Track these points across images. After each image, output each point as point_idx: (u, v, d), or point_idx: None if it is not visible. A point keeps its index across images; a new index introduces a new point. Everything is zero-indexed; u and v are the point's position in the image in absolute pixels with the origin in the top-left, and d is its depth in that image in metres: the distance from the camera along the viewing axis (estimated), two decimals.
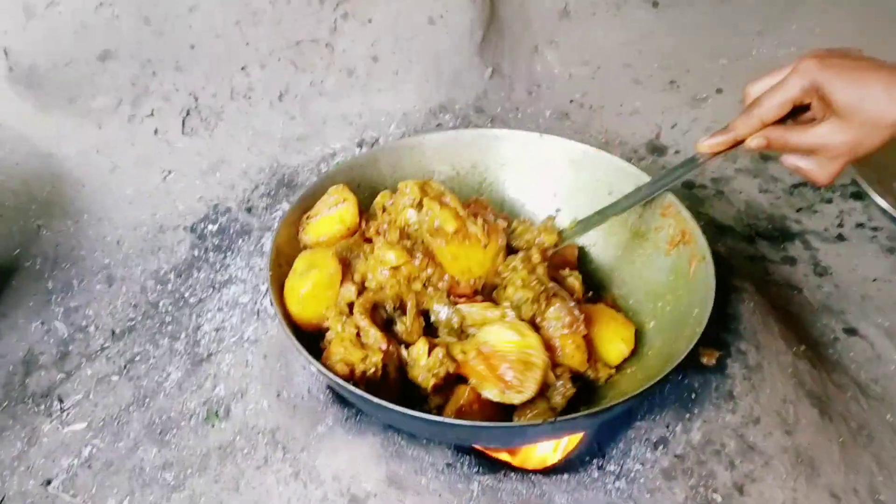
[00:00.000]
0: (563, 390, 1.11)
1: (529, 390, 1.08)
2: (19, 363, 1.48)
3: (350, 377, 1.09)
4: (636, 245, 1.35)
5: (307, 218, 1.30)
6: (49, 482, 1.29)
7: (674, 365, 1.04)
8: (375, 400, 1.00)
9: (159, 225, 1.67)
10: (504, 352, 1.10)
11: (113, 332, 1.51)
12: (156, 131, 1.74)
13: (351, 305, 1.17)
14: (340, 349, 1.12)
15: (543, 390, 1.12)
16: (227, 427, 1.23)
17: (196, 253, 1.62)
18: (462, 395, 1.10)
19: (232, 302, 1.50)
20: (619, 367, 1.22)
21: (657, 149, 1.98)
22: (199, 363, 1.41)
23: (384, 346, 1.11)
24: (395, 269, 1.17)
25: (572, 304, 1.18)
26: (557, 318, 1.16)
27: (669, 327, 1.20)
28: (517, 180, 1.47)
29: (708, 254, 1.19)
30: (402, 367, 1.15)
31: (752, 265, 1.64)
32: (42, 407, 1.42)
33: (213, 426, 1.24)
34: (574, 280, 1.30)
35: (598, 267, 1.41)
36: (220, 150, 1.76)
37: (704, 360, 1.21)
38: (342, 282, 1.20)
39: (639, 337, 1.25)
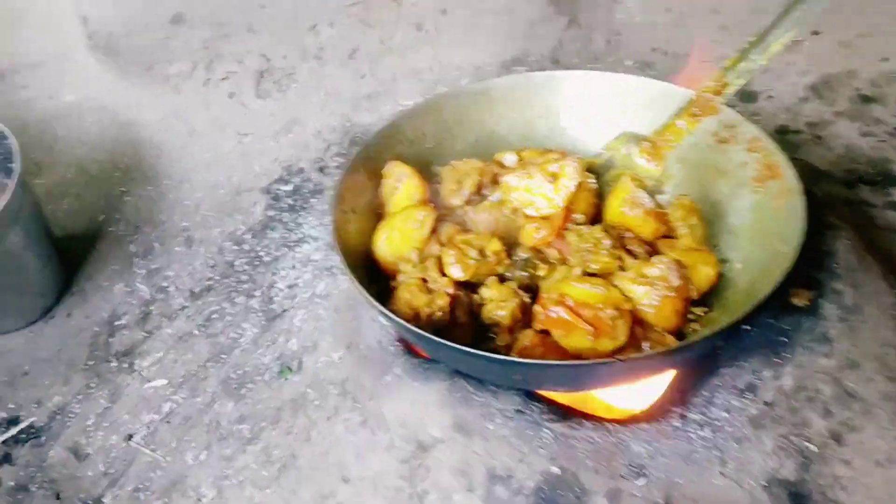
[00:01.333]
0: (658, 345, 1.04)
1: (622, 335, 1.02)
2: (104, 323, 1.51)
3: (415, 321, 1.06)
4: (720, 183, 1.25)
5: (382, 208, 1.28)
6: (131, 437, 1.32)
7: (758, 301, 0.96)
8: (435, 339, 0.96)
9: (236, 187, 1.68)
10: (590, 302, 1.04)
11: (192, 292, 1.52)
12: (231, 95, 1.75)
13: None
14: (406, 294, 1.09)
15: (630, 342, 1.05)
16: (300, 380, 1.24)
17: (271, 213, 1.62)
18: (526, 337, 1.05)
19: (304, 259, 1.50)
20: (704, 302, 1.13)
21: (748, 95, 1.86)
22: (273, 319, 1.41)
23: (451, 291, 1.08)
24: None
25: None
26: (663, 278, 1.08)
27: (756, 268, 1.08)
28: (592, 124, 1.39)
29: (797, 186, 1.10)
30: (474, 313, 1.11)
31: (853, 210, 1.51)
32: (125, 365, 1.45)
33: (286, 380, 1.25)
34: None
35: None
36: (292, 110, 1.75)
37: (795, 301, 1.11)
38: (428, 238, 1.19)
39: (722, 280, 1.16)
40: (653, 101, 1.34)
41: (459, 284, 1.11)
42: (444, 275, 1.11)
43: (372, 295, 1.07)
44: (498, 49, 1.90)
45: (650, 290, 1.08)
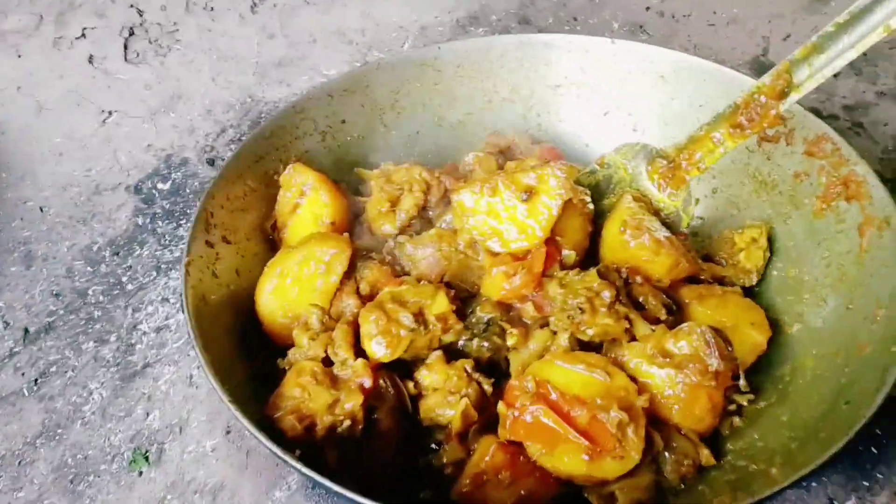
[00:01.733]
0: (686, 459, 0.74)
1: (635, 453, 0.71)
2: None
3: (308, 435, 0.67)
4: (763, 202, 0.95)
5: (273, 225, 0.96)
6: None
7: (855, 428, 0.61)
8: (336, 488, 0.58)
9: (95, 184, 1.32)
10: (585, 396, 0.72)
11: (26, 332, 1.17)
12: (90, 58, 1.41)
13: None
14: (294, 390, 0.70)
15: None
16: (158, 477, 0.98)
17: (140, 221, 1.27)
18: (485, 452, 0.73)
19: (180, 290, 1.14)
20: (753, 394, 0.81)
21: (766, 68, 1.51)
22: (130, 378, 1.08)
23: (367, 383, 0.69)
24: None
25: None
26: (696, 358, 0.76)
27: (831, 336, 0.81)
28: (579, 109, 1.07)
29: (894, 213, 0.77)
30: (405, 409, 0.73)
31: None
32: None
33: (140, 474, 0.98)
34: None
35: (701, 237, 1.00)
36: (174, 81, 1.42)
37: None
38: (340, 287, 0.84)
39: (775, 350, 0.85)
40: (664, 79, 1.03)
41: (382, 367, 0.72)
42: (359, 353, 0.72)
43: (248, 377, 0.69)
44: (450, 4, 1.56)
45: (676, 375, 0.74)
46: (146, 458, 0.98)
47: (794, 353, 0.83)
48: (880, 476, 0.74)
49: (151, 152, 1.36)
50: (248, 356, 0.79)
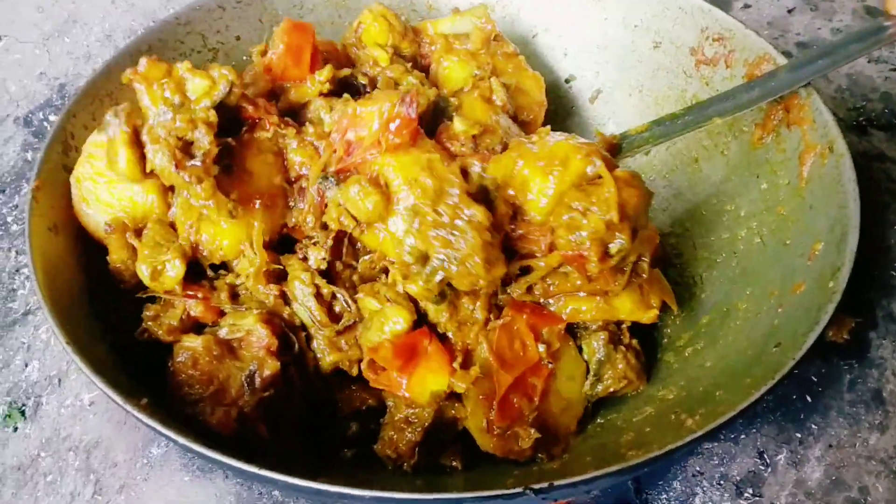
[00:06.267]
0: None
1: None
2: None
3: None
4: (701, 131, 0.86)
5: None
6: None
7: (782, 372, 0.55)
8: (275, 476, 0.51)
9: None
10: None
11: None
12: None
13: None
14: (196, 382, 0.62)
15: None
16: (33, 433, 0.91)
17: (30, 157, 1.18)
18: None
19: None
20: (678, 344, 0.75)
21: (719, 1, 1.45)
22: (10, 326, 1.01)
23: (268, 341, 0.62)
24: None
25: None
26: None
27: (766, 275, 0.72)
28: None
29: (840, 142, 0.72)
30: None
31: (869, 168, 1.11)
32: None
33: (14, 430, 0.92)
34: None
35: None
36: (69, 3, 1.32)
37: (830, 335, 0.70)
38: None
39: (708, 289, 0.78)
40: (610, 2, 0.93)
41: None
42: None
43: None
44: None
45: None
46: (22, 413, 0.91)
47: (727, 294, 0.74)
48: (814, 427, 0.67)
49: (44, 81, 1.27)
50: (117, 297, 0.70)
